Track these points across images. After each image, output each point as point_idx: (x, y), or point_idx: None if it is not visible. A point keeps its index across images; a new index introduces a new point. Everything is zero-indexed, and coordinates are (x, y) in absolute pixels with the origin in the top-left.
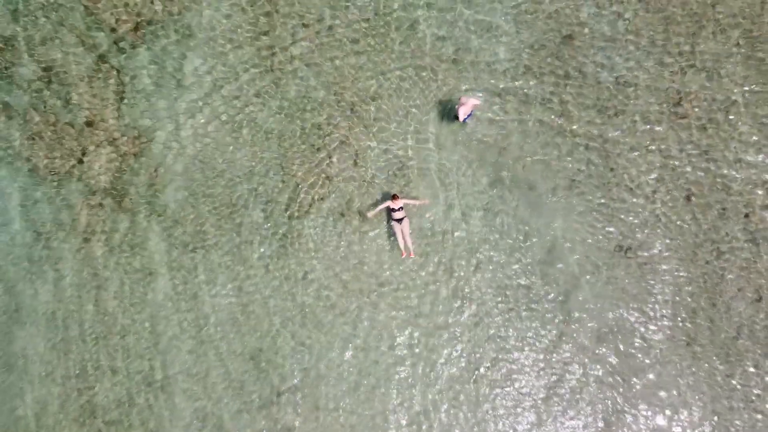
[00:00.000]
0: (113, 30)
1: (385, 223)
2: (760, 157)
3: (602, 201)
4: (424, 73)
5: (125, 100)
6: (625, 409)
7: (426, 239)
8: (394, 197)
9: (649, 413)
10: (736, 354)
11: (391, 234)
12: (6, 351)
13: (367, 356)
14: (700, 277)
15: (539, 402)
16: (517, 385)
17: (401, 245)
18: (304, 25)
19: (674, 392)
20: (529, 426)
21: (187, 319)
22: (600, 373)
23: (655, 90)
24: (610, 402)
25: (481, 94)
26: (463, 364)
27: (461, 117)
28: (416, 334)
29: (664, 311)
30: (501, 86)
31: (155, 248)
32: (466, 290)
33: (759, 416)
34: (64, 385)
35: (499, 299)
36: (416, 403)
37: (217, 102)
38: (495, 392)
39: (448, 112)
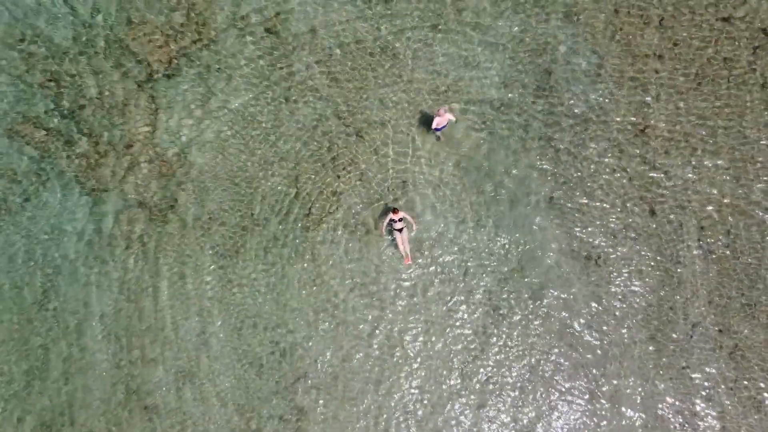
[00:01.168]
0: (149, 61)
1: (385, 233)
2: (715, 179)
3: (576, 215)
4: (421, 103)
5: (160, 124)
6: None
7: (422, 247)
8: (394, 211)
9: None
10: (689, 350)
11: (393, 242)
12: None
13: (365, 348)
14: (660, 281)
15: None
16: (490, 371)
17: (401, 252)
18: (317, 60)
19: (629, 381)
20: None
21: (213, 317)
22: (567, 363)
23: (623, 117)
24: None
25: (456, 106)
26: (451, 352)
27: (434, 126)
28: (410, 327)
29: (626, 311)
30: (487, 113)
31: (188, 254)
32: (457, 292)
33: (697, 401)
34: (111, 373)
35: (485, 301)
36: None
37: (240, 126)
38: (468, 381)
39: (426, 121)
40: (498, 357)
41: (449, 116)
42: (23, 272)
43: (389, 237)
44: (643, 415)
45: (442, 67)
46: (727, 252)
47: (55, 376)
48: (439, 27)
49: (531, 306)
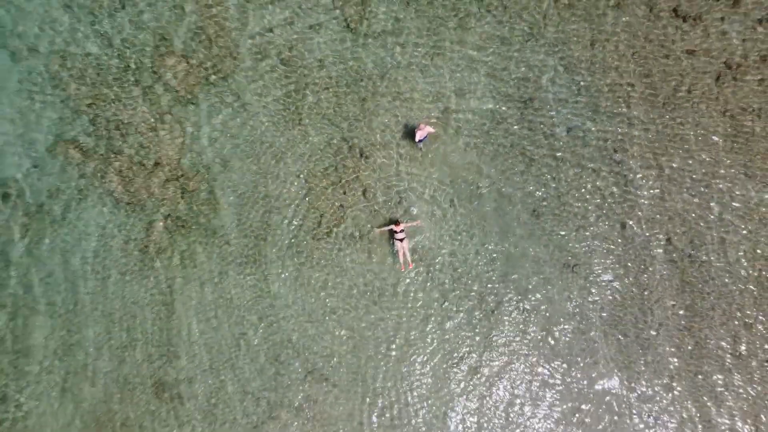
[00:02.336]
0: (176, 88)
1: (387, 242)
2: (680, 197)
3: (555, 227)
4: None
5: (186, 145)
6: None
7: (418, 254)
8: (396, 222)
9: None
10: (653, 346)
11: (393, 250)
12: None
13: (367, 345)
14: (630, 287)
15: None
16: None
17: (401, 260)
18: (326, 88)
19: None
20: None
21: (233, 313)
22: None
23: (598, 140)
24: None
25: (434, 120)
26: (439, 345)
27: (417, 139)
28: (405, 324)
29: (598, 312)
30: (477, 135)
31: (209, 259)
32: (450, 295)
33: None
34: (140, 365)
35: (472, 302)
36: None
37: (257, 147)
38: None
39: (410, 135)
40: (486, 348)
41: (429, 129)
42: (62, 277)
43: (391, 245)
44: (609, 401)
45: (436, 94)
46: (689, 261)
47: (100, 368)
48: (435, 56)
49: (515, 306)
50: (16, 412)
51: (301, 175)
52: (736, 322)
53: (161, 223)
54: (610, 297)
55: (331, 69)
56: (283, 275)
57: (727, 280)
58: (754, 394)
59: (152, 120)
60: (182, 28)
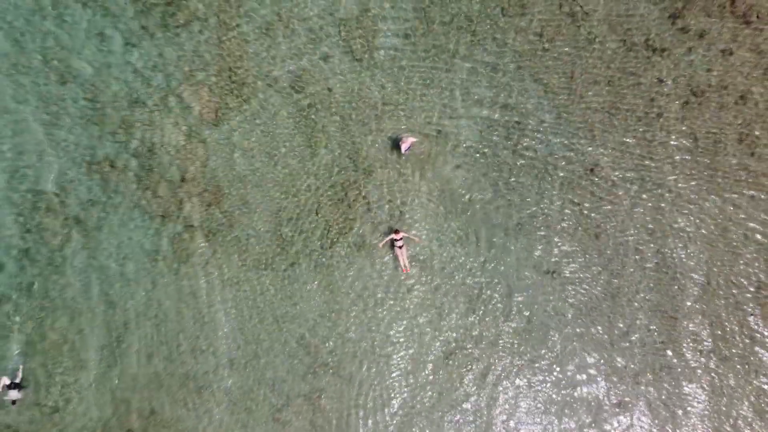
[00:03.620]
0: (199, 111)
1: (388, 250)
2: (647, 209)
3: (537, 237)
4: (418, 153)
5: (208, 163)
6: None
7: (417, 261)
8: (396, 231)
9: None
10: (628, 345)
11: (394, 257)
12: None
13: (370, 341)
14: (603, 290)
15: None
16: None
17: (401, 264)
18: (334, 113)
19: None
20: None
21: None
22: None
23: (576, 160)
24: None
25: (417, 137)
26: (435, 342)
27: (402, 150)
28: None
29: (575, 313)
30: (467, 156)
31: (230, 265)
32: (446, 295)
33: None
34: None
35: (465, 305)
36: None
37: (272, 166)
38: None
39: (396, 146)
40: (476, 342)
41: (412, 139)
42: (97, 281)
43: (391, 252)
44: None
45: (432, 117)
46: (655, 267)
47: (130, 362)
48: (431, 83)
49: (501, 307)
50: (60, 399)
51: (311, 191)
52: (704, 328)
53: (187, 233)
54: (585, 298)
55: (338, 95)
56: (296, 279)
57: (694, 292)
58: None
59: (179, 141)
60: (205, 58)
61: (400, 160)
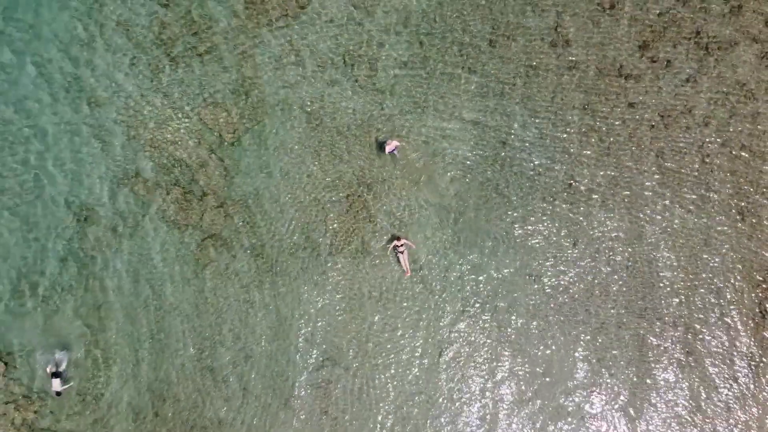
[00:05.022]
0: (219, 132)
1: (391, 256)
2: (614, 219)
3: (521, 246)
4: (414, 172)
5: (228, 179)
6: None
7: (417, 265)
8: (398, 238)
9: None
10: (606, 342)
11: (396, 261)
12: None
13: (371, 338)
14: (581, 294)
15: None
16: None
17: (403, 267)
18: (340, 133)
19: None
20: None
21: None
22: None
23: (556, 175)
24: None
25: (400, 140)
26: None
27: (387, 151)
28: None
29: (555, 314)
30: (460, 172)
31: (248, 270)
32: (442, 295)
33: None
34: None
35: (459, 304)
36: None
37: (284, 181)
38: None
39: (381, 148)
40: (466, 338)
41: (395, 143)
42: (131, 282)
43: (394, 257)
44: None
45: (428, 137)
46: (626, 271)
47: (155, 359)
48: (428, 107)
49: (488, 307)
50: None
51: (320, 204)
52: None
53: (208, 241)
54: (564, 300)
55: (344, 117)
56: (305, 282)
57: (668, 284)
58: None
59: (201, 159)
60: (223, 82)
61: (401, 178)
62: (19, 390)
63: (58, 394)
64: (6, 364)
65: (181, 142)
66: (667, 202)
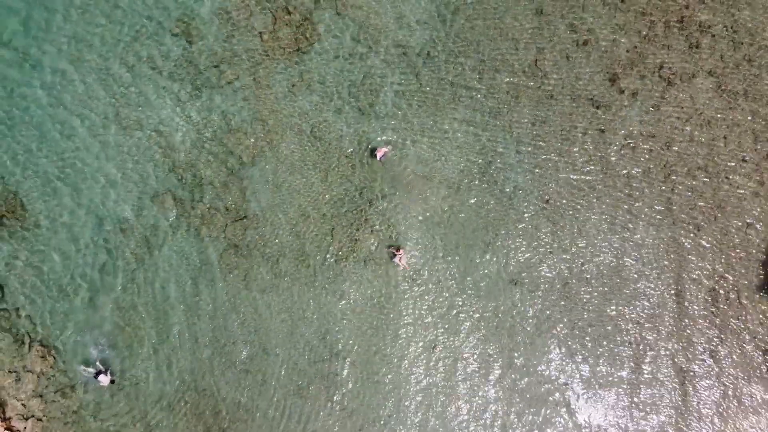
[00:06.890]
0: (240, 155)
1: (391, 263)
2: (589, 233)
3: (505, 253)
4: (408, 182)
5: (245, 196)
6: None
7: (413, 272)
8: (398, 249)
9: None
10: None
11: (395, 265)
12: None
13: (373, 336)
14: (560, 296)
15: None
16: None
17: (400, 268)
18: (345, 156)
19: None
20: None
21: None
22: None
23: (535, 193)
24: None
25: (390, 145)
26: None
27: (378, 157)
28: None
29: (536, 314)
30: (452, 188)
31: (260, 276)
32: (440, 296)
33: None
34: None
35: (453, 302)
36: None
37: (294, 197)
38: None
39: (369, 151)
40: (459, 334)
41: (385, 149)
42: (161, 289)
43: (395, 263)
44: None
45: (423, 159)
46: (593, 276)
47: (183, 356)
48: (424, 132)
49: (477, 307)
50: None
51: (326, 217)
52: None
53: (229, 251)
54: (544, 302)
55: (348, 142)
56: (313, 288)
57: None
58: None
59: (222, 178)
60: (241, 110)
61: (399, 193)
62: (65, 380)
63: (113, 382)
64: (54, 358)
65: (205, 162)
66: (635, 219)
